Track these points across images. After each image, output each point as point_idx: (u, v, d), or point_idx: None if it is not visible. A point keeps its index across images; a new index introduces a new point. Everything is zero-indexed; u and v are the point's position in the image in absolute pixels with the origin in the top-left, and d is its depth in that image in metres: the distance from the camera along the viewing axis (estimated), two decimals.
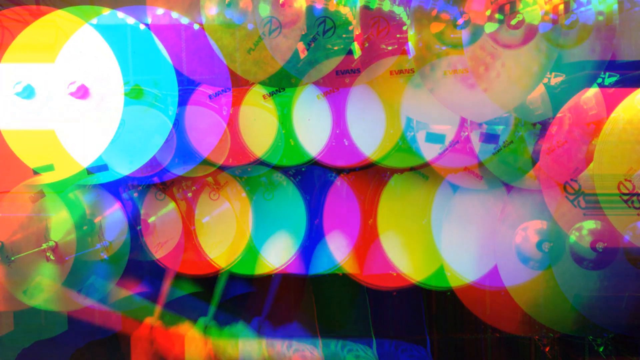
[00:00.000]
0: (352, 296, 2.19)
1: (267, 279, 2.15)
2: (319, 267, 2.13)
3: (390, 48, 1.80)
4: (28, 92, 1.78)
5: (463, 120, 1.91)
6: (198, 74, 1.94)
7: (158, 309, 2.09)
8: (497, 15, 1.63)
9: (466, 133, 1.92)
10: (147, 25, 1.88)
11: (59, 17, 1.81)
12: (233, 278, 2.14)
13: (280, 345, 2.01)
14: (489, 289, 2.00)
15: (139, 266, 2.11)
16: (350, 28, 1.79)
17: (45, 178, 1.91)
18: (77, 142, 1.81)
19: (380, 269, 2.10)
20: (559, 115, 1.83)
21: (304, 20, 1.79)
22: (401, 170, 2.09)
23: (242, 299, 2.22)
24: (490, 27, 1.63)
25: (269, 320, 2.13)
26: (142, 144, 1.89)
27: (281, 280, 2.15)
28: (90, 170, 1.87)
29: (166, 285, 2.12)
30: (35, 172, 1.87)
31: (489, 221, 1.99)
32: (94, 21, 1.83)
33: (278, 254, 2.12)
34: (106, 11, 1.85)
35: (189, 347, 2.02)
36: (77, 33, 1.77)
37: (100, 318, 2.12)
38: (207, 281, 2.15)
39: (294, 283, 2.17)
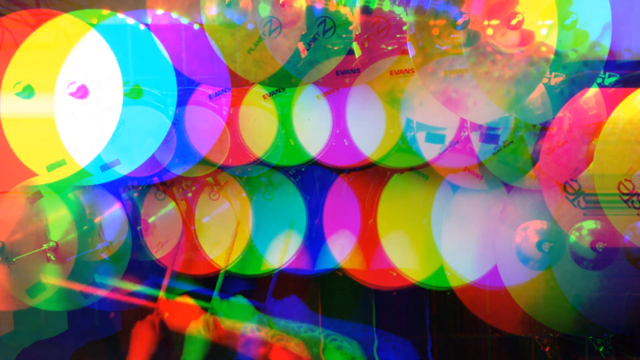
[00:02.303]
0: (355, 296, 2.19)
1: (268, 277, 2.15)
2: (319, 266, 2.13)
3: (390, 48, 1.80)
4: (28, 92, 1.78)
5: (463, 121, 1.91)
6: (198, 74, 1.94)
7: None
8: (493, 22, 1.63)
9: (466, 133, 1.92)
10: (147, 25, 1.88)
11: (62, 20, 1.81)
12: (232, 277, 2.14)
13: (265, 331, 2.01)
14: (489, 289, 2.00)
15: (139, 266, 2.11)
16: (350, 28, 1.79)
17: (45, 178, 1.91)
18: (76, 142, 1.81)
19: (380, 269, 2.10)
20: (559, 115, 1.83)
21: (304, 20, 1.79)
22: (401, 170, 2.09)
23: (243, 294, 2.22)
24: (489, 31, 1.64)
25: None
26: (141, 144, 1.89)
27: (280, 278, 2.15)
28: (103, 168, 1.87)
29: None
30: (48, 170, 1.86)
31: (489, 221, 1.99)
32: (94, 21, 1.83)
33: (278, 254, 2.12)
34: (109, 14, 1.85)
35: (191, 319, 2.03)
36: (79, 35, 1.77)
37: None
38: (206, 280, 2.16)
39: (294, 283, 2.17)
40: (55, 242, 1.90)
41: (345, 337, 2.07)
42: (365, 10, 1.76)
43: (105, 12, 1.85)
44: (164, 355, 2.05)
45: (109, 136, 1.80)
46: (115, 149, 1.86)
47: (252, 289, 2.22)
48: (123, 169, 1.88)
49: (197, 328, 2.01)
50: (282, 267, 2.11)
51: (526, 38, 1.64)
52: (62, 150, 1.80)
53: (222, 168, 2.07)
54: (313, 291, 2.19)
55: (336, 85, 1.95)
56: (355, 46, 1.81)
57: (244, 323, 2.04)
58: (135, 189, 2.11)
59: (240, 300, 2.10)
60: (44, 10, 1.86)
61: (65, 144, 1.80)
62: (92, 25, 1.81)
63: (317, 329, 2.06)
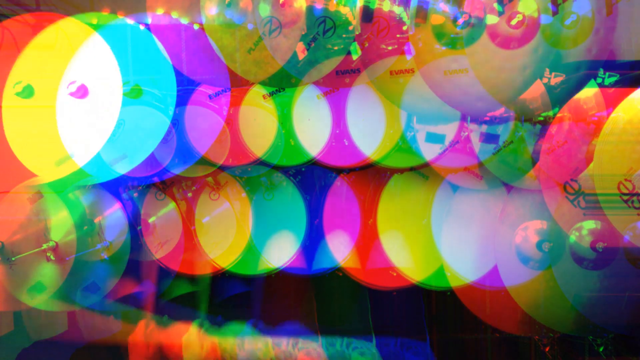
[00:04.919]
0: (352, 295, 2.19)
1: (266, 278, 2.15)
2: (319, 267, 2.13)
3: (390, 48, 1.80)
4: (28, 92, 1.79)
5: (463, 121, 1.91)
6: (198, 74, 1.94)
7: (152, 310, 2.11)
8: (496, 5, 1.61)
9: (466, 133, 1.92)
10: (147, 25, 1.88)
11: (63, 22, 1.81)
12: (230, 278, 2.14)
13: (286, 344, 2.01)
14: (489, 289, 2.00)
15: (139, 266, 2.11)
16: (350, 28, 1.79)
17: (45, 178, 1.91)
18: (76, 141, 1.81)
19: (380, 269, 2.10)
20: (559, 115, 1.83)
21: (304, 20, 1.79)
22: (401, 170, 2.09)
23: (239, 298, 2.22)
24: (491, 20, 1.62)
25: (265, 320, 2.13)
26: (141, 144, 1.89)
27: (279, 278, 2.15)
28: (112, 162, 1.86)
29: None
30: (57, 165, 1.85)
31: (489, 221, 1.99)
32: (94, 21, 1.83)
33: (278, 254, 2.12)
34: (110, 15, 1.85)
35: (187, 347, 2.02)
36: (79, 37, 1.78)
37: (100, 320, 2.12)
38: (202, 281, 2.16)
39: (294, 282, 2.17)
40: (55, 242, 1.90)
41: (362, 342, 2.07)
42: (366, 15, 1.76)
43: (106, 13, 1.85)
44: None
45: (107, 136, 1.80)
46: (114, 148, 1.86)
47: (248, 291, 2.22)
48: (123, 168, 1.88)
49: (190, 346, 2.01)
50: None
51: (527, 32, 1.63)
52: (62, 150, 1.80)
53: (222, 168, 2.07)
54: (310, 296, 2.19)
55: (336, 85, 1.95)
56: (355, 46, 1.81)
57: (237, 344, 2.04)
58: (135, 189, 2.11)
59: (237, 326, 2.10)
60: (44, 13, 1.86)
61: (65, 144, 1.81)
62: (92, 26, 1.81)
63: (337, 341, 2.06)
